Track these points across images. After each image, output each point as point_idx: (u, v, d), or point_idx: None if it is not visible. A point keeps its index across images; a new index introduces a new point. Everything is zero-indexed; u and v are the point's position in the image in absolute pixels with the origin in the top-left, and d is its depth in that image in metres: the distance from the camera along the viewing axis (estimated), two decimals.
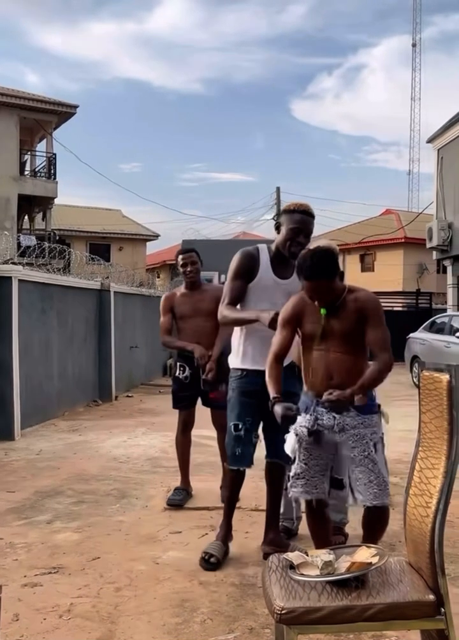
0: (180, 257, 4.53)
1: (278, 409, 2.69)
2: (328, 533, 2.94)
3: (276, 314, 2.88)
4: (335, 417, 2.72)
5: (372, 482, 2.67)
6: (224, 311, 3.28)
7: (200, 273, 4.58)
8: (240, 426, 3.34)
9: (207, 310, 4.41)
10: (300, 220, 3.22)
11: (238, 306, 3.34)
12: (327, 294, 2.71)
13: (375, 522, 2.79)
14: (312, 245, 3.54)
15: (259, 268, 3.29)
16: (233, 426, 3.37)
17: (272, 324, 2.89)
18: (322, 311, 2.74)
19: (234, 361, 3.44)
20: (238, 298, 3.29)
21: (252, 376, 3.30)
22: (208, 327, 4.44)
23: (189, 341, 4.45)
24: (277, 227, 3.31)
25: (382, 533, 2.86)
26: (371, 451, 2.69)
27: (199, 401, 4.60)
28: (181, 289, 4.66)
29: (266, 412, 3.19)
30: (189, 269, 4.48)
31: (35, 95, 22.34)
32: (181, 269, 4.53)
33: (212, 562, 3.30)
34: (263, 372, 3.10)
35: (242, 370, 3.38)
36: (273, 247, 3.33)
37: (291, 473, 2.80)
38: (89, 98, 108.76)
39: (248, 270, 3.29)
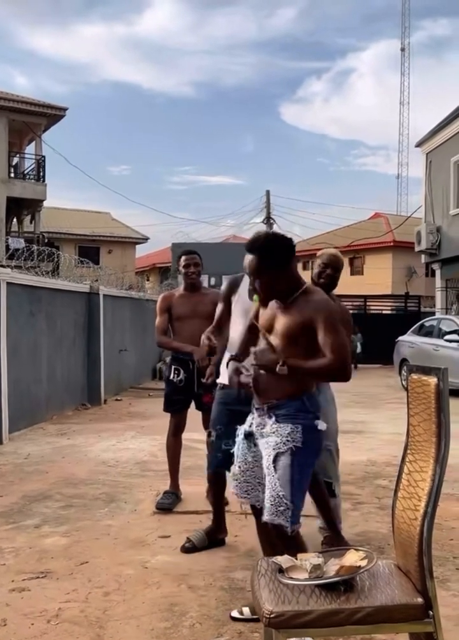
0: (183, 257, 4.56)
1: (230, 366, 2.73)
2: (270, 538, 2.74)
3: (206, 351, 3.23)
4: (259, 422, 2.61)
5: (269, 496, 2.48)
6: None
7: (201, 275, 4.60)
8: (212, 434, 3.51)
9: (205, 313, 4.41)
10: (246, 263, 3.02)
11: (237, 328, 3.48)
12: (263, 278, 2.52)
13: (272, 537, 2.59)
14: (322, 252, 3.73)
15: (238, 291, 3.50)
16: (208, 434, 3.60)
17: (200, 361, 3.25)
18: (255, 298, 2.62)
19: (221, 378, 3.62)
20: (221, 321, 3.59)
21: (227, 389, 3.37)
22: (205, 330, 4.45)
23: (185, 343, 4.44)
24: None
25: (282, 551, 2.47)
26: (270, 462, 2.50)
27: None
28: (179, 290, 4.67)
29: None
30: (191, 270, 4.50)
31: (24, 98, 22.30)
32: (183, 270, 4.54)
33: (185, 546, 3.61)
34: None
35: (222, 384, 3.53)
36: None
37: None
38: (78, 101, 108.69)
39: (229, 294, 3.55)
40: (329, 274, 3.58)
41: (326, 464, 3.48)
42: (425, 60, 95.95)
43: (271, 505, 2.45)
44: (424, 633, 1.93)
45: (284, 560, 2.06)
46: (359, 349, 18.97)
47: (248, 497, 2.70)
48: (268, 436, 2.54)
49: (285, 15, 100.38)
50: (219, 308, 3.63)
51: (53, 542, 3.78)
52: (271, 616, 1.83)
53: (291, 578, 1.97)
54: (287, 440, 2.47)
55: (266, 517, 2.48)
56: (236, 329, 3.37)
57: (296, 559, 2.07)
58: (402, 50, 44.88)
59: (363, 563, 1.95)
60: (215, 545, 3.64)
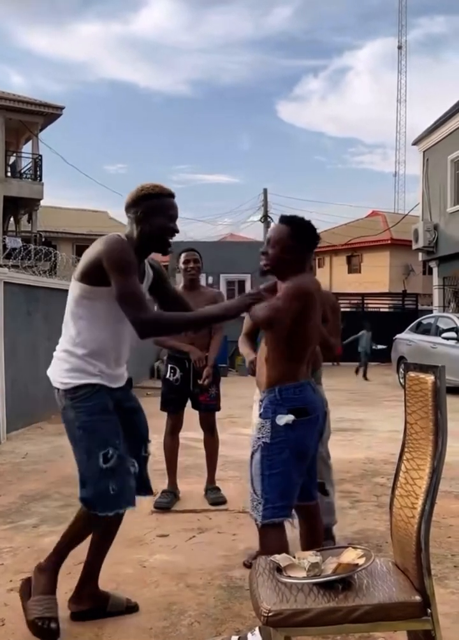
0: (183, 254, 4.57)
1: None
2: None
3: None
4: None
5: (248, 490, 2.56)
6: (171, 318, 2.62)
7: (200, 273, 4.60)
8: (111, 454, 2.54)
9: None
10: (174, 205, 2.67)
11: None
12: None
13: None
14: None
15: None
16: (101, 458, 2.54)
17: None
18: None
19: (75, 376, 2.58)
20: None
21: (108, 392, 2.63)
22: (202, 331, 4.45)
23: (183, 341, 4.44)
24: (142, 216, 2.59)
25: (263, 544, 2.56)
26: (249, 457, 2.56)
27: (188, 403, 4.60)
28: (178, 288, 4.67)
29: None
30: (191, 266, 4.51)
31: (21, 97, 22.27)
32: (183, 266, 4.54)
33: (53, 628, 2.54)
34: (116, 389, 2.66)
35: (94, 385, 2.58)
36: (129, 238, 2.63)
37: None
38: (75, 99, 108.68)
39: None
40: None
41: (317, 465, 3.45)
42: (422, 58, 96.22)
43: (250, 500, 2.54)
44: (422, 631, 1.93)
45: (281, 558, 2.06)
46: (376, 346, 15.66)
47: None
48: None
49: (281, 14, 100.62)
50: (138, 284, 2.50)
51: (52, 542, 3.73)
52: (270, 614, 1.83)
53: (289, 576, 1.97)
54: (258, 437, 2.51)
55: (248, 510, 2.58)
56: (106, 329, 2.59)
57: (294, 557, 2.07)
58: (399, 47, 44.99)
59: (361, 561, 1.95)
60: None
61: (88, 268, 2.53)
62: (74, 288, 2.60)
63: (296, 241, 2.58)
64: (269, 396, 2.54)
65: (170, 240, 2.67)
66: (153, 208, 2.59)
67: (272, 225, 2.79)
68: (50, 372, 2.70)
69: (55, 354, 2.70)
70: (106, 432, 2.58)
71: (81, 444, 2.60)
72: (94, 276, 2.51)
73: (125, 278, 2.42)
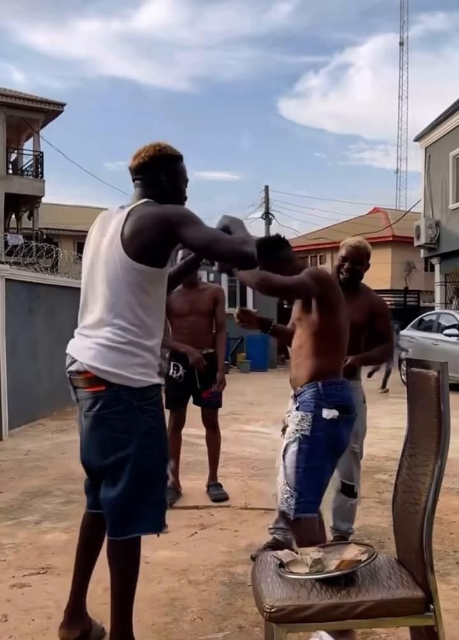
0: (180, 251, 4.49)
1: None
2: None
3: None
4: (289, 411, 2.72)
5: (279, 482, 2.57)
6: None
7: (199, 270, 4.56)
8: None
9: (204, 309, 4.39)
10: (186, 169, 2.45)
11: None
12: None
13: (287, 523, 2.59)
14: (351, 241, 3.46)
15: None
16: (168, 468, 2.43)
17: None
18: None
19: (147, 373, 2.23)
20: None
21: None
22: (203, 327, 4.43)
23: (183, 340, 4.40)
24: (167, 180, 2.32)
25: (295, 539, 2.60)
26: (282, 450, 2.58)
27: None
28: (178, 286, 4.63)
29: None
30: None
31: (22, 94, 22.24)
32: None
33: None
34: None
35: (160, 386, 2.32)
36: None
37: None
38: (76, 96, 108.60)
39: None
40: (349, 268, 3.35)
41: (351, 466, 3.38)
42: (423, 55, 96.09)
43: (281, 492, 2.54)
44: (424, 627, 1.93)
45: (284, 554, 2.06)
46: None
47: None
48: (288, 425, 2.62)
49: (281, 10, 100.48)
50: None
51: (54, 538, 3.78)
52: (272, 610, 1.83)
53: (292, 572, 1.97)
54: (296, 429, 2.52)
55: (277, 503, 2.59)
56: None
57: (296, 553, 2.07)
58: (401, 44, 44.70)
59: (364, 557, 1.95)
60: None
61: (154, 243, 2.15)
62: (132, 273, 2.17)
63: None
64: (311, 390, 2.56)
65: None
66: (177, 172, 2.36)
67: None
68: (103, 364, 2.19)
69: (106, 343, 2.21)
70: (167, 441, 2.39)
71: (146, 453, 2.19)
72: (159, 254, 2.19)
73: (200, 224, 2.14)
